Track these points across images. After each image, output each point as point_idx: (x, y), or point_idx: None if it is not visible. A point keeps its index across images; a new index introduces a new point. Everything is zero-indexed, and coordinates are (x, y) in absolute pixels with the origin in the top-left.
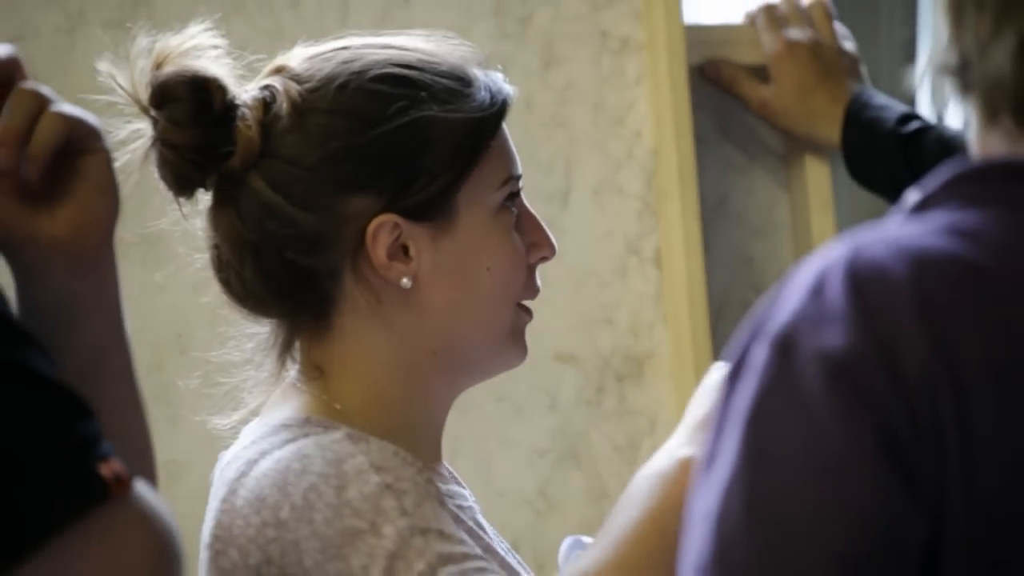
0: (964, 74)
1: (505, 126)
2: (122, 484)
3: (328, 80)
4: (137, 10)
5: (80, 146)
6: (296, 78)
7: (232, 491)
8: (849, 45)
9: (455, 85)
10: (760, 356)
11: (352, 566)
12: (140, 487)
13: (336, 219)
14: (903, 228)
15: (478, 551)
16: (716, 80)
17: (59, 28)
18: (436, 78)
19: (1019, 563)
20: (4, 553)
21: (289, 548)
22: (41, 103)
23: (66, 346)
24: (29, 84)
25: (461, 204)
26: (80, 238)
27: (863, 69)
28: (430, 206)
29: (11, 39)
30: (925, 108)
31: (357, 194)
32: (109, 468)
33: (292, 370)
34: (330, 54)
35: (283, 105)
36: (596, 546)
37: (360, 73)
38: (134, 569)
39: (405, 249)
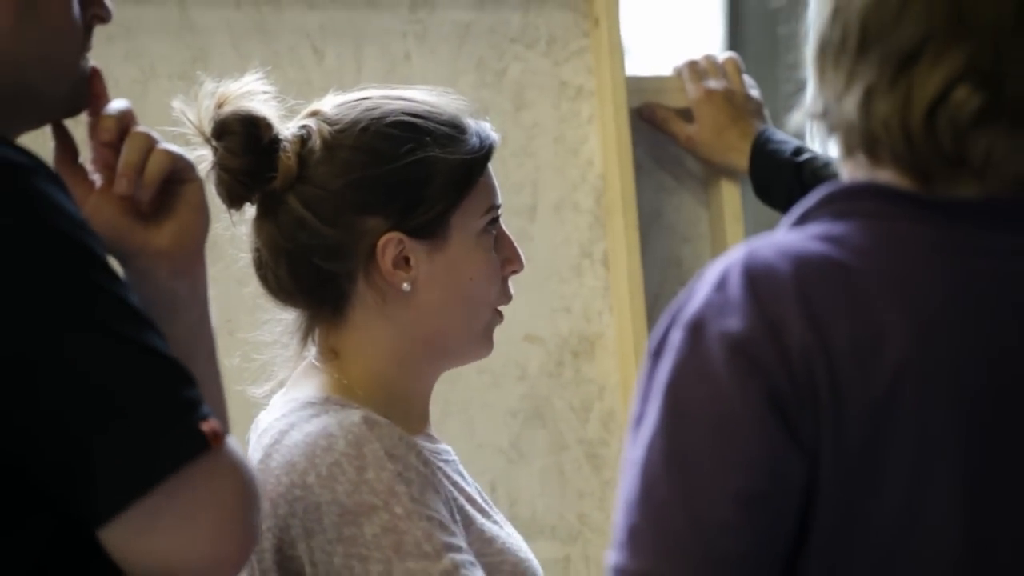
0: (827, 118)
1: (490, 165)
2: (218, 438)
3: (353, 123)
4: (195, 65)
5: (180, 176)
6: (327, 120)
7: (267, 455)
8: (755, 93)
9: (453, 132)
10: (676, 337)
11: (365, 532)
12: (230, 440)
13: (354, 234)
14: (787, 236)
15: (464, 544)
16: (651, 120)
17: (135, 80)
18: (438, 125)
19: (874, 494)
20: (131, 488)
21: (311, 507)
22: (151, 143)
23: (170, 332)
24: (142, 128)
25: (453, 226)
26: (180, 248)
27: (766, 112)
28: (428, 227)
29: None
30: (813, 142)
31: (371, 215)
32: (209, 426)
33: (312, 350)
34: (355, 102)
35: (316, 141)
36: None
37: (379, 119)
38: (229, 502)
39: (407, 260)
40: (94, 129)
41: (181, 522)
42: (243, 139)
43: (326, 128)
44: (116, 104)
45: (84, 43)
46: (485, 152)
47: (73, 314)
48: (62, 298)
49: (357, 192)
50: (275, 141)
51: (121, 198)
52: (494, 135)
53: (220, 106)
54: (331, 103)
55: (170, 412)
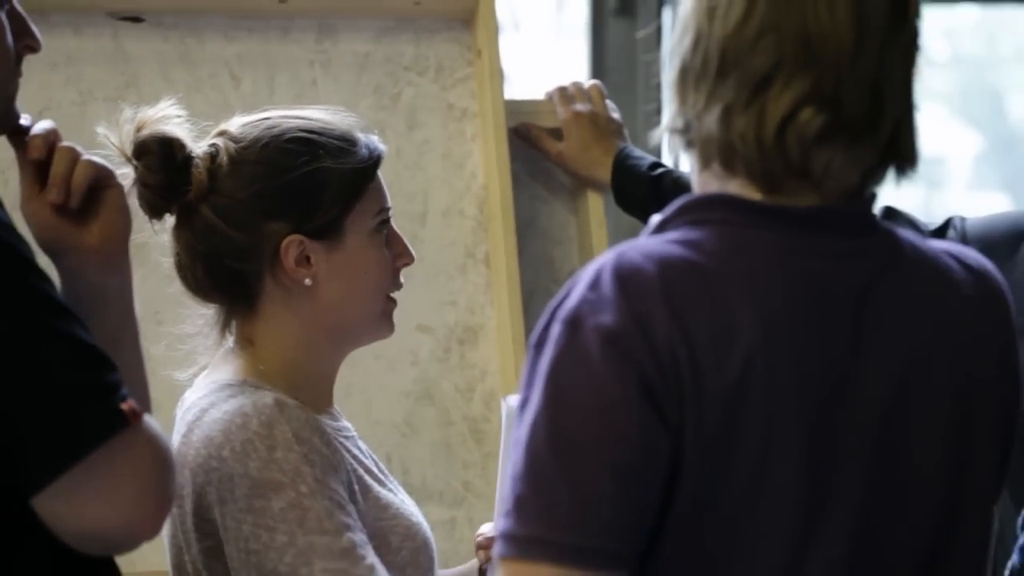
0: (687, 134)
1: (380, 173)
2: (136, 416)
3: (255, 140)
4: (128, 90)
5: (103, 183)
6: (233, 139)
7: (190, 430)
8: (616, 115)
9: (344, 145)
10: (556, 331)
11: (272, 506)
12: (147, 418)
13: (260, 237)
14: (651, 241)
15: (359, 523)
16: (526, 138)
17: (74, 102)
18: (331, 139)
19: (728, 467)
20: (60, 460)
21: (225, 478)
22: (76, 155)
23: (98, 322)
24: (66, 144)
25: (347, 227)
26: (107, 245)
27: (626, 131)
28: (325, 229)
29: (40, 110)
30: (668, 158)
31: (274, 220)
32: (128, 405)
33: (230, 340)
34: (257, 122)
35: (224, 157)
36: None
37: (278, 136)
38: (146, 472)
39: (308, 259)
40: (24, 148)
41: (105, 490)
42: (160, 158)
43: (232, 146)
44: (42, 125)
45: (15, 70)
46: (373, 162)
47: (8, 310)
48: (1, 297)
49: (261, 200)
50: (188, 159)
51: (53, 203)
52: (381, 146)
53: (139, 129)
54: (237, 124)
55: (94, 394)
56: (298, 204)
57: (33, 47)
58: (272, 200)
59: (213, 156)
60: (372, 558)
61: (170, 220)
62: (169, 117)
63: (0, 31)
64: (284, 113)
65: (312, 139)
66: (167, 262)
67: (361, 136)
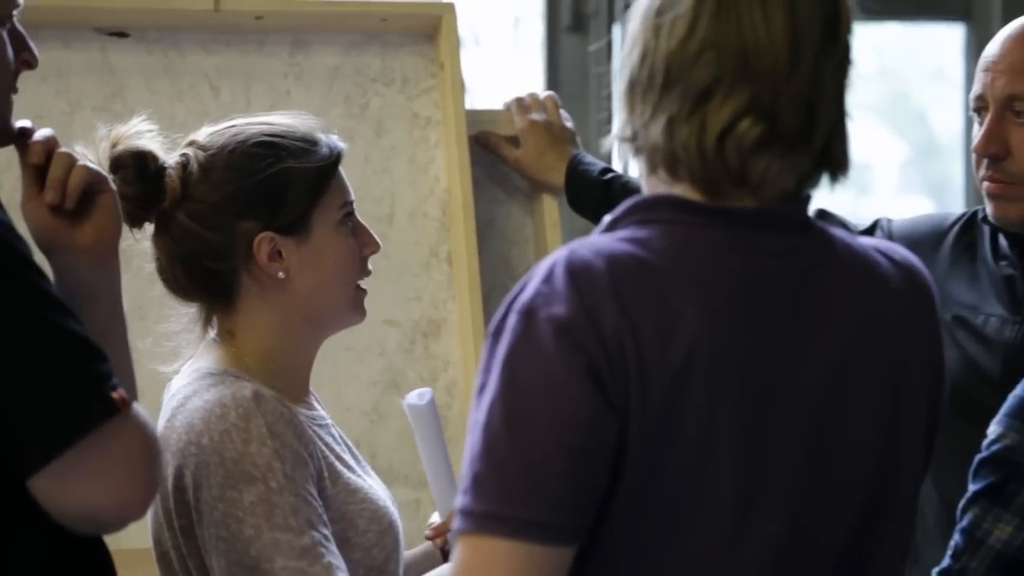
0: (635, 142)
1: (342, 169)
2: (126, 404)
3: (222, 147)
4: (114, 100)
5: (97, 188)
6: (202, 147)
7: (173, 415)
8: (569, 123)
9: (306, 146)
10: (512, 321)
11: (243, 498)
12: (136, 406)
13: (233, 237)
14: (601, 239)
15: (324, 518)
16: (486, 145)
17: (64, 111)
18: (293, 142)
19: (671, 448)
20: (54, 444)
21: (202, 464)
22: (72, 161)
23: (88, 317)
24: (64, 150)
25: (314, 222)
26: (99, 245)
27: (579, 139)
28: (293, 225)
29: (32, 119)
30: (618, 164)
31: (245, 220)
32: (118, 394)
33: (212, 332)
34: (223, 130)
35: (194, 165)
36: None
37: (243, 141)
38: (135, 456)
39: (279, 253)
40: (25, 152)
41: (96, 473)
42: (134, 171)
43: (201, 154)
44: (42, 132)
45: (13, 84)
46: (334, 159)
47: (6, 304)
48: None
49: (232, 202)
50: (161, 169)
51: (50, 205)
52: (341, 145)
53: (114, 145)
54: (204, 133)
55: (87, 382)
56: (266, 203)
57: (31, 63)
58: (242, 201)
59: (184, 165)
60: (331, 556)
61: (149, 228)
62: (141, 132)
63: (1, 47)
64: (248, 120)
65: (275, 142)
66: (149, 267)
67: (322, 136)
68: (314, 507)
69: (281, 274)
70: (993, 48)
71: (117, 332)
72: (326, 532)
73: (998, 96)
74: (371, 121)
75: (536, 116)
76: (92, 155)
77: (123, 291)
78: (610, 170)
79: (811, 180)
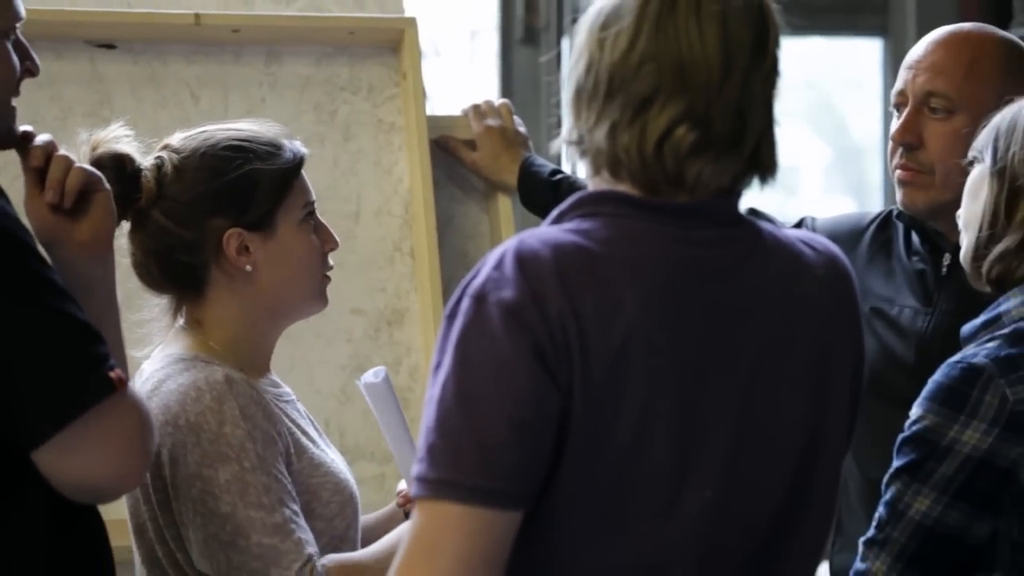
0: (581, 145)
1: (304, 172)
2: (123, 383)
3: (194, 151)
4: (103, 106)
5: (93, 187)
6: (175, 151)
7: (148, 398)
8: (522, 129)
9: (271, 149)
10: (465, 304)
11: (219, 476)
12: (131, 385)
13: (204, 233)
14: (548, 230)
15: (293, 494)
16: (445, 148)
17: (56, 117)
18: (259, 145)
19: (612, 422)
20: (57, 419)
21: (179, 444)
22: (70, 163)
23: (86, 306)
24: (62, 153)
25: (279, 219)
26: (95, 240)
27: (531, 143)
28: (260, 221)
29: (27, 123)
30: (567, 165)
31: (215, 217)
32: (115, 373)
33: (180, 321)
34: (195, 135)
35: (169, 167)
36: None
37: (213, 145)
38: (131, 432)
39: (247, 248)
40: (27, 156)
41: (95, 446)
42: (113, 172)
43: (175, 156)
44: (42, 137)
45: (16, 90)
46: (297, 162)
47: (13, 290)
48: (5, 278)
49: (203, 201)
50: (137, 171)
51: (50, 203)
52: (303, 149)
53: (94, 149)
54: (178, 138)
55: (86, 363)
56: (235, 201)
57: (32, 71)
58: (213, 200)
59: (159, 167)
60: (300, 531)
61: (125, 226)
62: (119, 137)
63: (6, 58)
64: (218, 126)
65: (243, 145)
66: (124, 261)
67: (286, 141)
68: (284, 485)
69: (248, 267)
70: (918, 50)
71: (111, 319)
72: (295, 508)
73: (918, 92)
74: (340, 126)
75: (491, 122)
76: (75, 157)
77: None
78: (559, 171)
79: (743, 180)
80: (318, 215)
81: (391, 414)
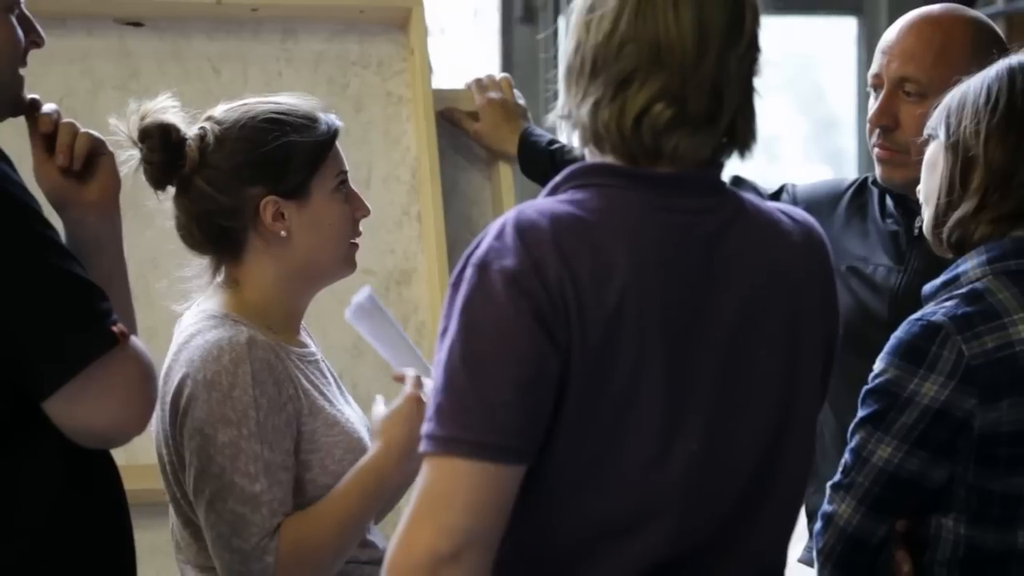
0: (570, 120)
1: (339, 144)
2: (125, 337)
3: (235, 123)
4: (131, 80)
5: (98, 151)
6: (218, 122)
7: (180, 349)
8: (521, 101)
9: (307, 122)
10: (469, 273)
11: (218, 438)
12: (134, 339)
13: (243, 199)
14: (545, 201)
15: (291, 461)
16: (450, 119)
17: (88, 90)
18: (296, 119)
19: (607, 380)
20: (64, 371)
21: (191, 397)
22: (76, 129)
23: (95, 262)
24: (68, 120)
25: (313, 188)
26: (102, 200)
27: (530, 115)
28: (295, 190)
29: (61, 97)
30: (563, 136)
31: (253, 185)
32: (118, 328)
33: (219, 278)
34: (236, 107)
35: (211, 137)
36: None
37: (253, 117)
38: (133, 382)
39: (283, 215)
40: (35, 123)
41: (100, 396)
42: (159, 141)
43: (217, 127)
44: (49, 106)
45: (22, 61)
46: (331, 135)
47: (21, 251)
48: (12, 240)
49: (242, 170)
50: (182, 140)
51: (60, 167)
52: (338, 123)
53: (143, 119)
54: (220, 109)
55: (90, 319)
56: (272, 171)
57: (38, 43)
58: (251, 169)
59: (202, 137)
60: (275, 502)
61: (171, 191)
62: (166, 108)
63: (11, 30)
64: (258, 99)
65: (280, 118)
66: (169, 223)
67: (321, 115)
68: (275, 455)
69: (283, 233)
70: (891, 35)
71: (119, 274)
72: (283, 477)
73: (892, 77)
74: (351, 99)
75: (493, 94)
76: (123, 127)
77: (143, 245)
78: (556, 141)
79: (722, 152)
80: (351, 184)
81: (384, 327)
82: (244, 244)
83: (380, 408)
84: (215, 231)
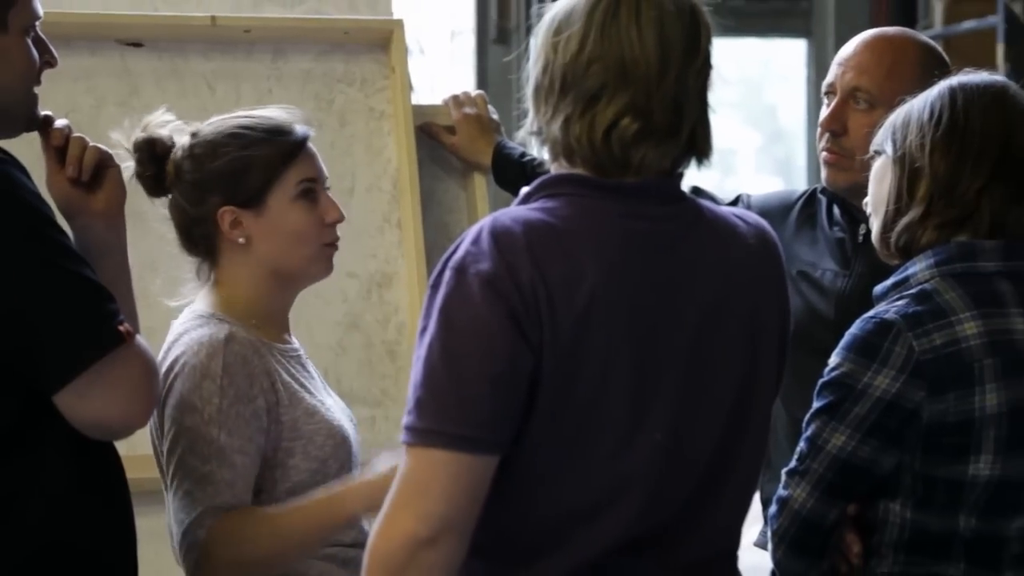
0: (540, 136)
1: (320, 155)
2: (130, 335)
3: (203, 137)
4: (131, 96)
5: (106, 164)
6: (193, 136)
7: (171, 346)
8: (495, 116)
9: (266, 136)
10: (448, 276)
11: (184, 422)
12: (139, 337)
13: (207, 209)
14: (518, 209)
15: (251, 448)
16: (428, 133)
17: (92, 105)
18: (257, 132)
19: (577, 378)
20: (73, 367)
21: (170, 387)
22: (85, 143)
23: (101, 267)
24: (78, 134)
25: (270, 197)
26: (109, 209)
27: (503, 129)
28: (250, 200)
29: (67, 112)
30: (534, 150)
31: (212, 196)
32: (124, 327)
33: (211, 279)
34: (214, 122)
35: (186, 151)
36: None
37: (218, 132)
38: (138, 379)
39: (240, 223)
40: (48, 139)
41: (107, 391)
42: (147, 154)
43: (191, 140)
44: (61, 121)
45: (37, 80)
46: (293, 146)
47: (36, 255)
48: (27, 244)
49: (202, 182)
50: (166, 154)
51: (70, 178)
52: (308, 133)
53: (142, 131)
54: (203, 125)
55: (99, 318)
56: (226, 182)
57: (51, 63)
58: (209, 181)
59: (180, 151)
60: (221, 484)
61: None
62: (163, 122)
63: (27, 51)
64: (237, 114)
65: (241, 132)
66: (161, 227)
67: (294, 127)
68: (233, 439)
69: (241, 239)
70: (848, 49)
71: (123, 279)
72: (237, 460)
73: (845, 86)
74: (336, 114)
75: (468, 110)
76: (125, 140)
77: (143, 247)
78: (527, 154)
79: (682, 162)
80: (323, 190)
81: None
82: (218, 249)
83: (376, 465)
84: (193, 238)
